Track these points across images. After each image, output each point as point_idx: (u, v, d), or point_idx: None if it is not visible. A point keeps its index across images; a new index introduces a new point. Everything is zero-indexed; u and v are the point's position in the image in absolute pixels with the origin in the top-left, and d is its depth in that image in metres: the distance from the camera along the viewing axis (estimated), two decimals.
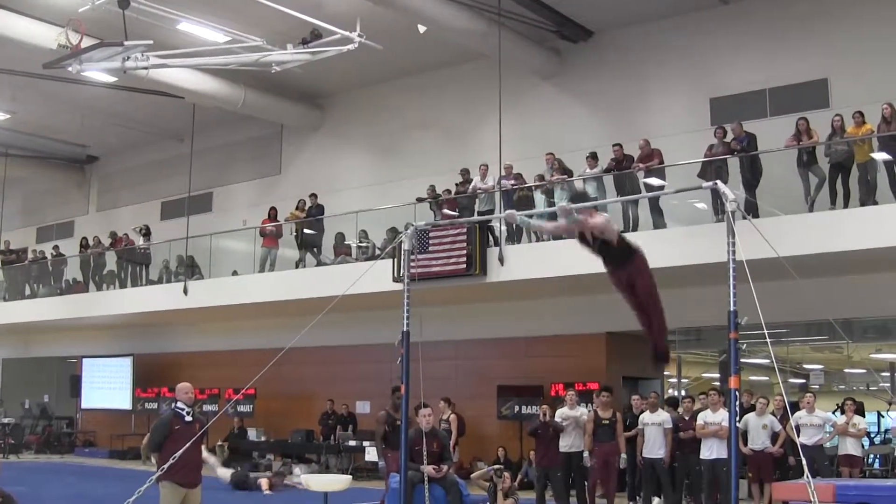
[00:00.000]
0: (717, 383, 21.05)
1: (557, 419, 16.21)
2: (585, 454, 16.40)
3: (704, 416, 15.55)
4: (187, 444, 10.07)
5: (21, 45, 20.68)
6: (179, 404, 10.74)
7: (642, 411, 16.71)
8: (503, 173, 19.91)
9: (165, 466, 9.97)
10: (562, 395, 18.77)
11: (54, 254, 31.33)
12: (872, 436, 19.65)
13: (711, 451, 15.18)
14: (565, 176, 19.25)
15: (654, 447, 16.03)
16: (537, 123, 22.69)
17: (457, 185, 21.48)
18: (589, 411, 16.56)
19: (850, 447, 15.64)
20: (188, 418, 10.66)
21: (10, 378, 35.14)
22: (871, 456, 18.87)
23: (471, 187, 20.91)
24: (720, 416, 14.96)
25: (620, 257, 8.94)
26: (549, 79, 22.78)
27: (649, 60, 21.60)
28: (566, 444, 15.98)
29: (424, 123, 25.28)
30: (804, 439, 15.06)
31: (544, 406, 16.69)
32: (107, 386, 30.26)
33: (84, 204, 35.47)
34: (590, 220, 8.89)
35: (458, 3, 19.62)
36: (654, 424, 16.13)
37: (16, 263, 32.15)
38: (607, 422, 16.09)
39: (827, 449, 16.27)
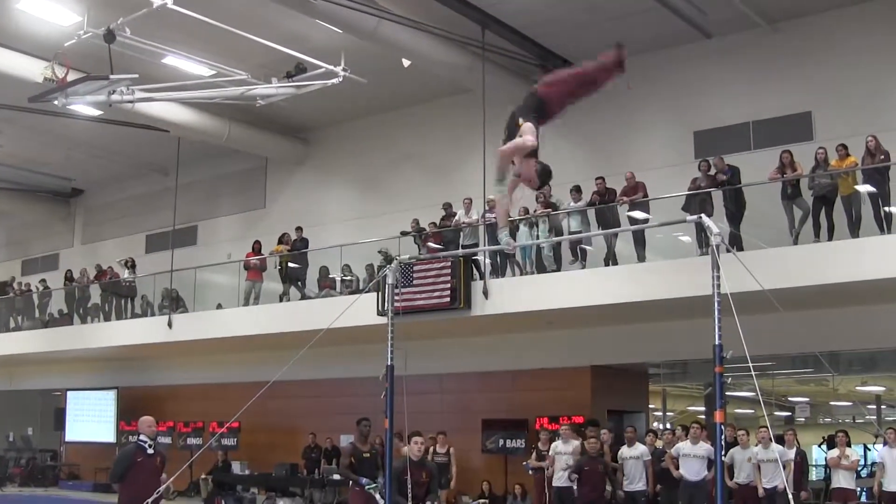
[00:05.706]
0: (703, 416, 21.04)
1: (551, 454, 16.54)
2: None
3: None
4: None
5: (7, 79, 20.69)
6: (143, 437, 11.37)
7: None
8: (487, 207, 19.90)
9: None
10: (548, 428, 18.78)
11: (41, 286, 31.22)
12: (859, 469, 19.64)
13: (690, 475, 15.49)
14: (549, 209, 19.24)
15: (634, 480, 16.21)
16: None
17: (440, 219, 21.46)
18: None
19: (843, 480, 15.69)
20: (150, 451, 11.26)
21: None
22: (859, 489, 18.85)
23: (454, 221, 20.89)
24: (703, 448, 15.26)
25: (537, 111, 8.30)
26: None
27: (633, 94, 21.60)
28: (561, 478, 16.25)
29: (409, 157, 25.27)
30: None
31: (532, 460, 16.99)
32: (91, 419, 30.08)
33: (69, 237, 35.38)
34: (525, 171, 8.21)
35: (442, 38, 19.62)
36: (633, 458, 16.27)
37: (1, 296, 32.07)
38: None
39: (814, 482, 16.29)
